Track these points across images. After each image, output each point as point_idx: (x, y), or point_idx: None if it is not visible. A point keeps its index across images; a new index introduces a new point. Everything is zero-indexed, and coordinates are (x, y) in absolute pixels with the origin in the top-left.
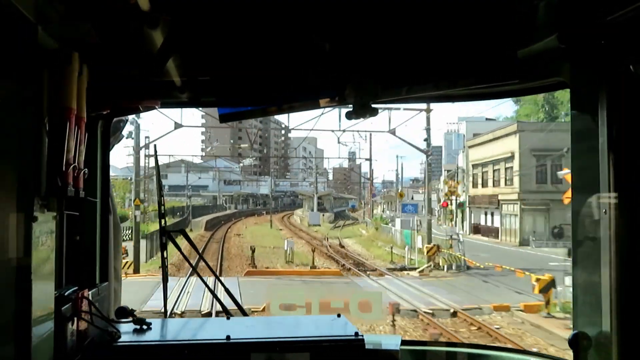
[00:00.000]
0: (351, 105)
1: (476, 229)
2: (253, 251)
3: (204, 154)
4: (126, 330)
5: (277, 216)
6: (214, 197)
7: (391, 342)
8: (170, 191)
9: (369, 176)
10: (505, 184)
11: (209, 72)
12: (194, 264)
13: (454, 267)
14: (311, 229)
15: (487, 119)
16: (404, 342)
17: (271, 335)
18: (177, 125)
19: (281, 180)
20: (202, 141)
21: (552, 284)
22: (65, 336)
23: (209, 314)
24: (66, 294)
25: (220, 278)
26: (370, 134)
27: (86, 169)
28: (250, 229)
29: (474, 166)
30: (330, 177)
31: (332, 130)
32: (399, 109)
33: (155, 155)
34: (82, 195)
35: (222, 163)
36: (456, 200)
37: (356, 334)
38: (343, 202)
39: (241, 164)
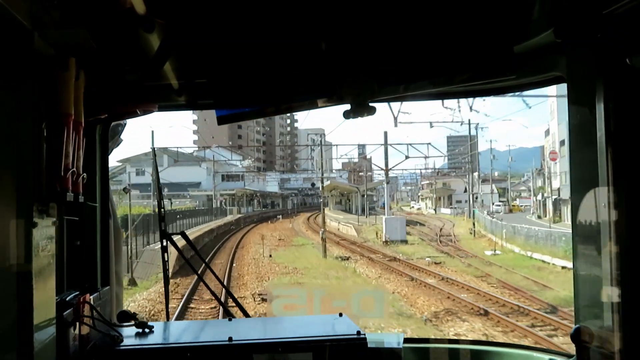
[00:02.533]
0: (349, 105)
1: None
2: None
3: (196, 147)
4: (128, 334)
5: (298, 220)
6: (209, 198)
7: (394, 340)
8: (145, 191)
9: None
10: None
11: (206, 75)
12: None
13: None
14: (406, 257)
15: None
16: (406, 340)
17: (273, 335)
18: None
19: (291, 174)
20: (194, 132)
21: None
22: (68, 341)
23: None
24: (68, 299)
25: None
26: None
27: (85, 174)
28: (283, 261)
29: None
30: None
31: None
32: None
33: (154, 159)
34: (81, 200)
35: (217, 155)
36: None
37: (358, 332)
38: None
39: (248, 159)
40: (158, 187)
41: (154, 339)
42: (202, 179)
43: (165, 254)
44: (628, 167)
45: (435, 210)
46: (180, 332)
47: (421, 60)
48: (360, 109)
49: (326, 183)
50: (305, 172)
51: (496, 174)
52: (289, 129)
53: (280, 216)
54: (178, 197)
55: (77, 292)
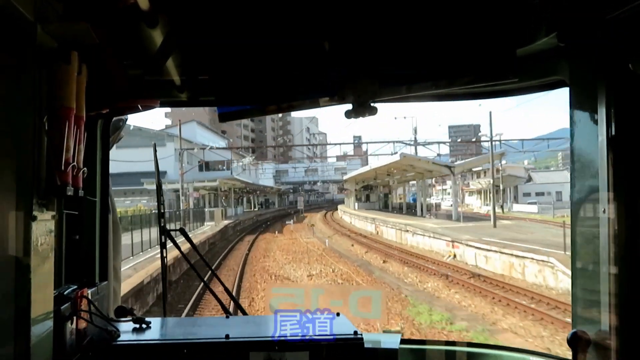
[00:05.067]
0: (350, 104)
1: None
2: None
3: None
4: (125, 330)
5: (320, 226)
6: (177, 195)
7: (390, 341)
8: None
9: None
10: None
11: (208, 71)
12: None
13: None
14: None
15: None
16: (403, 341)
17: (270, 333)
18: None
19: (289, 165)
20: (167, 114)
21: None
22: (65, 335)
23: None
24: (65, 293)
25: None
26: None
27: (85, 168)
28: None
29: None
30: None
31: None
32: None
33: (155, 155)
34: (81, 195)
35: (192, 133)
36: None
37: (355, 332)
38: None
39: (249, 157)
40: (158, 183)
41: (151, 334)
42: (169, 166)
43: (164, 250)
44: (629, 172)
45: (502, 207)
46: (177, 329)
47: (424, 62)
48: (361, 109)
49: (380, 163)
50: (301, 161)
51: (526, 162)
52: (280, 115)
53: (292, 221)
54: (129, 194)
55: (75, 287)
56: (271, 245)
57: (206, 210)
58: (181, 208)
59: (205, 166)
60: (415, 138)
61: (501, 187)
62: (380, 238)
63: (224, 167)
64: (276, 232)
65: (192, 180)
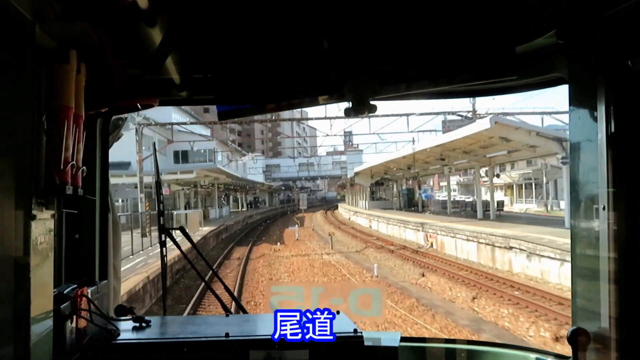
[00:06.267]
0: (349, 103)
1: None
2: None
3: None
4: (125, 328)
5: (344, 240)
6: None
7: (390, 339)
8: None
9: None
10: None
11: (207, 70)
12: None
13: None
14: None
15: None
16: (403, 339)
17: (270, 332)
18: None
19: (280, 160)
20: None
21: None
22: (64, 334)
23: None
24: (65, 292)
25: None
26: None
27: (84, 167)
28: None
29: None
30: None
31: None
32: None
33: (154, 152)
34: (80, 194)
35: (166, 116)
36: None
37: (355, 330)
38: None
39: (250, 154)
40: (157, 182)
41: (151, 333)
42: (131, 154)
43: (164, 249)
44: (628, 169)
45: (546, 205)
46: (177, 327)
47: (423, 60)
48: (361, 107)
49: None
50: (292, 156)
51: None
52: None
53: (296, 226)
54: None
55: (75, 285)
56: (276, 272)
57: (175, 213)
58: (139, 210)
59: (183, 157)
60: (473, 108)
61: (544, 181)
62: (443, 254)
63: (206, 156)
64: (277, 242)
65: (162, 172)
